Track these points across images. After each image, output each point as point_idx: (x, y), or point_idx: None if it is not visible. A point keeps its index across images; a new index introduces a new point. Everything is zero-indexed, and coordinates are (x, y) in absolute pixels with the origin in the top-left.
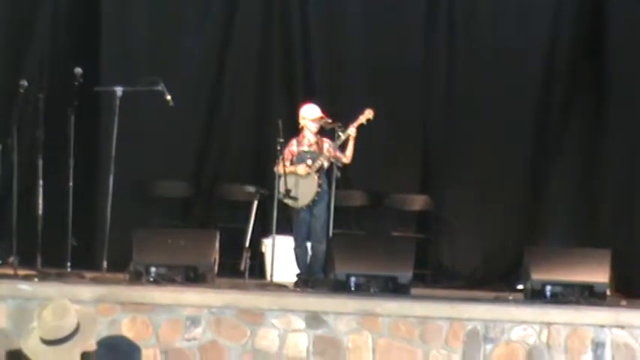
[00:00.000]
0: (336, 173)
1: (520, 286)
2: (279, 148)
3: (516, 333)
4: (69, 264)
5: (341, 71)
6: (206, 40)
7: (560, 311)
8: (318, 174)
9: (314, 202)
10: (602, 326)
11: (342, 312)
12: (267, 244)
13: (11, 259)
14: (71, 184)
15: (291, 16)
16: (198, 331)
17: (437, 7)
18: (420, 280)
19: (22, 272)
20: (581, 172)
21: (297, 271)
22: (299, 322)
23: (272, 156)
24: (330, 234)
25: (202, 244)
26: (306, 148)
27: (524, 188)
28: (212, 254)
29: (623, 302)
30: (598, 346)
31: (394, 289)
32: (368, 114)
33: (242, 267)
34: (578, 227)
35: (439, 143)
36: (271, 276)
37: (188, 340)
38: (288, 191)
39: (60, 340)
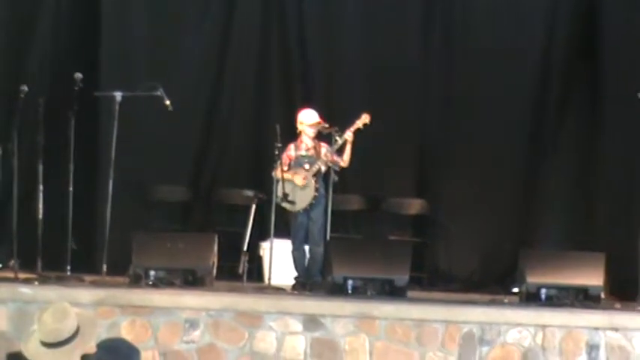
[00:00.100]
0: (334, 177)
1: (515, 289)
2: (276, 152)
3: (512, 335)
4: (69, 267)
5: (339, 71)
6: (205, 41)
7: (555, 314)
8: (315, 178)
9: (311, 205)
10: (596, 329)
11: (340, 315)
12: (265, 247)
13: (12, 262)
14: (71, 188)
15: (289, 16)
16: (196, 333)
17: (434, 7)
18: (416, 283)
19: (22, 275)
20: (578, 171)
21: (295, 274)
22: (296, 325)
23: (270, 160)
24: (328, 237)
25: (201, 247)
26: (303, 153)
27: (521, 189)
28: (210, 257)
29: (618, 305)
30: (592, 348)
31: (391, 292)
32: (364, 118)
33: (240, 270)
34: (574, 226)
35: (436, 144)
36: (269, 279)
37: (187, 342)
38: (285, 195)
39: (60, 342)
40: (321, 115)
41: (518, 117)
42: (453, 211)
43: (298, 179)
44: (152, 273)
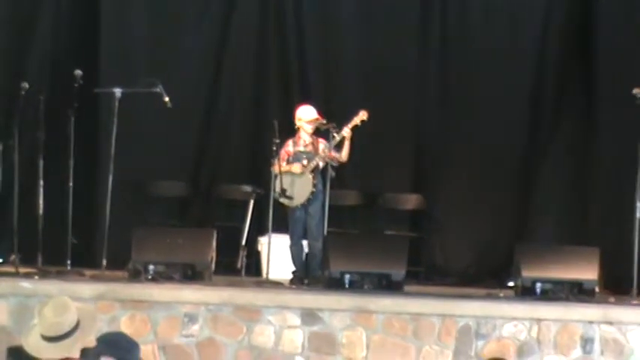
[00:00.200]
0: (331, 173)
1: (511, 284)
2: (274, 148)
3: (507, 329)
4: (69, 262)
5: (336, 71)
6: (204, 40)
7: (550, 308)
8: (313, 174)
9: (309, 201)
10: (591, 322)
11: (337, 309)
12: (263, 242)
13: (12, 257)
14: (71, 183)
15: (286, 16)
16: (195, 327)
17: (431, 8)
18: (413, 277)
19: (23, 270)
20: (573, 171)
21: (293, 268)
22: (294, 319)
23: (268, 156)
24: (325, 232)
25: (200, 242)
26: (302, 149)
27: (516, 187)
28: (209, 252)
29: (612, 299)
30: (587, 341)
31: (388, 286)
32: (362, 115)
33: (239, 265)
34: (568, 226)
35: (432, 143)
36: (267, 273)
37: (186, 336)
38: (283, 191)
39: (60, 336)
40: (319, 112)
41: (514, 116)
42: (449, 207)
43: (296, 167)
44: (151, 268)
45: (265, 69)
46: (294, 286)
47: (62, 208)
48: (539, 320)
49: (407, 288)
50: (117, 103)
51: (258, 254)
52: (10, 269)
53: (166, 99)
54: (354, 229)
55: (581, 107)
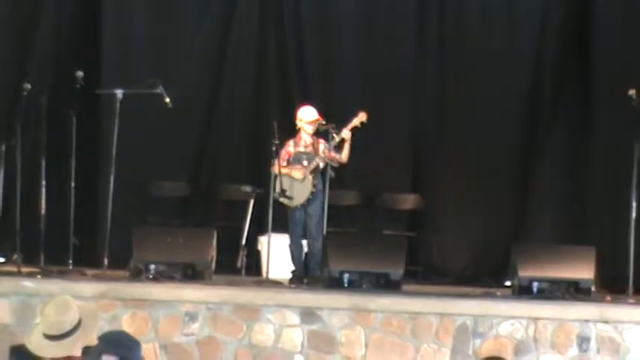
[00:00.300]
0: (330, 173)
1: (508, 283)
2: (274, 149)
3: (504, 328)
4: (71, 261)
5: (336, 72)
6: (205, 40)
7: (547, 307)
8: (313, 174)
9: (309, 201)
10: (587, 321)
11: (336, 308)
12: (263, 242)
13: (15, 256)
14: (73, 183)
15: (287, 17)
16: (195, 326)
17: (428, 8)
18: (411, 276)
19: (25, 269)
20: (569, 172)
21: (293, 268)
22: (294, 318)
23: (268, 156)
24: (324, 232)
25: (200, 242)
26: (302, 149)
27: (513, 187)
28: (210, 252)
29: (608, 298)
30: (583, 340)
31: (386, 285)
32: (362, 117)
33: (239, 264)
34: (565, 226)
35: (430, 143)
36: (267, 273)
37: (186, 335)
38: (283, 191)
39: (62, 335)
40: (320, 113)
41: (511, 116)
42: (447, 207)
43: (297, 174)
44: (152, 267)
45: (265, 69)
46: (293, 286)
47: (64, 207)
48: (536, 319)
49: (405, 287)
50: (118, 104)
51: (258, 254)
52: (13, 269)
53: (167, 100)
54: (352, 228)
55: (577, 107)
